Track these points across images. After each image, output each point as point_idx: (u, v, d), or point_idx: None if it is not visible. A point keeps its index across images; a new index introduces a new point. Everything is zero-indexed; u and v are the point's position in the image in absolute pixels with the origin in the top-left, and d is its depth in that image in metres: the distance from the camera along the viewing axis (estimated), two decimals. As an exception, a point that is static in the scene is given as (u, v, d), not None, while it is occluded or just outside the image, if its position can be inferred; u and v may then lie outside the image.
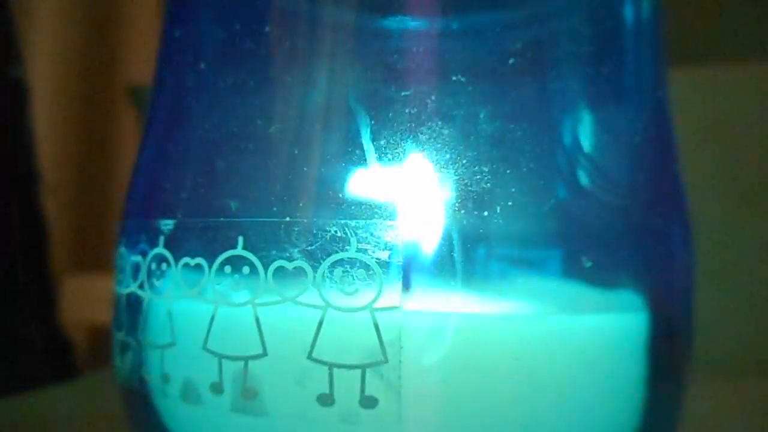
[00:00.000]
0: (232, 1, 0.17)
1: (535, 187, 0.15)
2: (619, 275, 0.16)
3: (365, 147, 0.15)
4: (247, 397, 0.14)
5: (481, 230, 0.15)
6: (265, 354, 0.14)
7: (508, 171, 0.15)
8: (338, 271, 0.14)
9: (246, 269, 0.14)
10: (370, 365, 0.13)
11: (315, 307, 0.14)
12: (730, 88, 0.38)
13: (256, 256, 0.14)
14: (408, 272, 0.14)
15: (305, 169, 0.15)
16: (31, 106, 0.42)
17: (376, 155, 0.15)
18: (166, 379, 0.15)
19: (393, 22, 0.15)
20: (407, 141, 0.15)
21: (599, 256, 0.16)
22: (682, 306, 0.17)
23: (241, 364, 0.14)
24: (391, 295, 0.13)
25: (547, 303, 0.15)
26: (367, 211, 0.14)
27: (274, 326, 0.14)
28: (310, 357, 0.14)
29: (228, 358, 0.14)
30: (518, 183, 0.15)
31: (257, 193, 0.15)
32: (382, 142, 0.15)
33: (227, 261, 0.14)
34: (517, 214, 0.15)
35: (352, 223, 0.14)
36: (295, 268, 0.14)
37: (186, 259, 0.15)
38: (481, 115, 0.15)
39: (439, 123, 0.15)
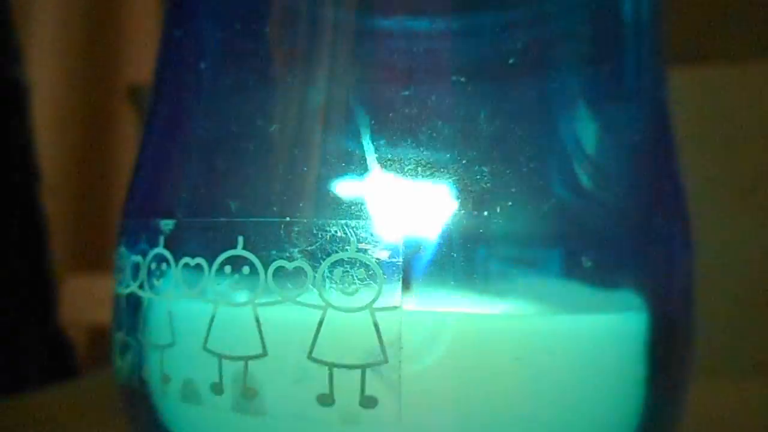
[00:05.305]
0: (232, 1, 0.17)
1: (535, 187, 0.15)
2: (619, 275, 0.16)
3: (365, 147, 0.15)
4: (247, 397, 0.14)
5: (481, 230, 0.15)
6: (265, 354, 0.14)
7: (508, 171, 0.15)
8: (338, 271, 0.14)
9: (246, 269, 0.14)
10: (370, 365, 0.13)
11: (315, 307, 0.14)
12: (730, 88, 0.38)
13: (256, 256, 0.14)
14: (408, 272, 0.14)
15: (305, 169, 0.15)
16: (31, 106, 0.41)
17: (376, 155, 0.15)
18: (166, 379, 0.15)
19: (393, 22, 0.15)
20: (407, 141, 0.15)
21: (599, 256, 0.16)
22: (682, 306, 0.17)
23: (241, 364, 0.14)
24: (391, 295, 0.13)
25: (547, 303, 0.15)
26: (368, 211, 0.14)
27: (274, 326, 0.14)
28: (310, 357, 0.14)
29: (228, 358, 0.14)
30: (518, 183, 0.15)
31: (257, 193, 0.15)
32: (382, 142, 0.15)
33: (227, 261, 0.14)
34: (517, 214, 0.15)
35: (352, 223, 0.14)
36: (295, 268, 0.14)
37: (186, 259, 0.15)
38: (481, 115, 0.15)
39: (439, 123, 0.15)
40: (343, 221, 0.14)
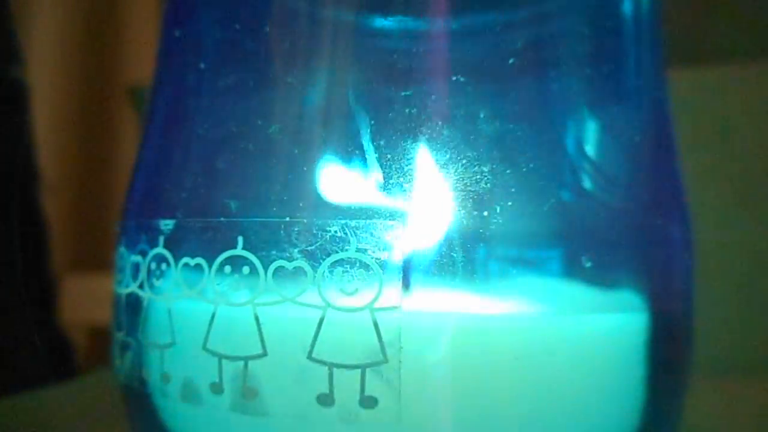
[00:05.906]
0: (232, 1, 0.17)
1: (535, 187, 0.15)
2: (619, 275, 0.16)
3: (365, 147, 0.15)
4: (247, 397, 0.14)
5: (481, 230, 0.15)
6: (264, 354, 0.14)
7: (508, 171, 0.15)
8: (338, 271, 0.14)
9: (246, 269, 0.14)
10: (370, 365, 0.13)
11: (315, 307, 0.14)
12: (730, 88, 0.38)
13: (256, 256, 0.14)
14: (408, 272, 0.14)
15: (305, 169, 0.15)
16: (31, 106, 0.41)
17: (376, 155, 0.15)
18: (166, 379, 0.15)
19: (393, 22, 0.15)
20: (407, 141, 0.15)
21: (599, 256, 0.16)
22: (682, 306, 0.17)
23: (241, 364, 0.14)
24: (391, 295, 0.13)
25: (547, 303, 0.15)
26: (367, 211, 0.14)
27: (274, 326, 0.14)
28: (309, 357, 0.14)
29: (228, 358, 0.14)
30: (518, 183, 0.15)
31: (257, 193, 0.15)
32: (382, 142, 0.15)
33: (227, 261, 0.14)
34: (517, 214, 0.15)
35: (352, 223, 0.14)
36: (295, 268, 0.14)
37: (186, 259, 0.15)
38: (481, 115, 0.15)
39: (439, 123, 0.15)
40: (343, 221, 0.14)
